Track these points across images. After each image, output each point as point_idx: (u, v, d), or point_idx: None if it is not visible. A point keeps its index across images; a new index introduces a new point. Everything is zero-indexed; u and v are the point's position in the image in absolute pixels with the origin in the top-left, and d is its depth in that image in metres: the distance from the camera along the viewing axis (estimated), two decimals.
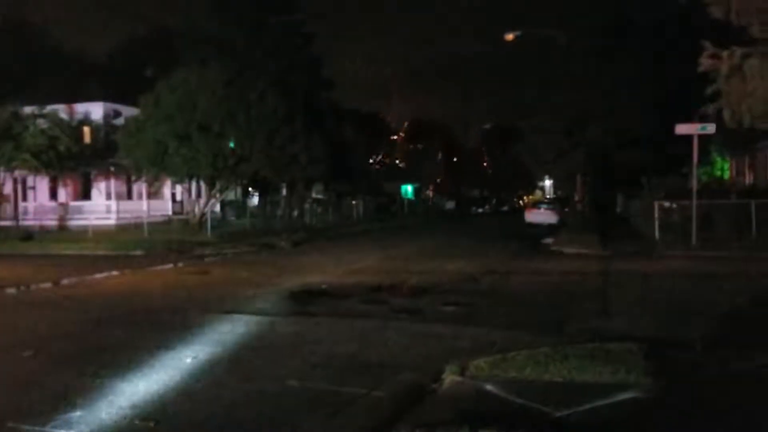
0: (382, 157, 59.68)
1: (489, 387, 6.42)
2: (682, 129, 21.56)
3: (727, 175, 36.67)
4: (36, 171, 33.54)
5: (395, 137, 77.03)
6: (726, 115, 6.86)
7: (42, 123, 32.76)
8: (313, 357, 7.98)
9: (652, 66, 34.07)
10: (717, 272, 15.89)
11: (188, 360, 7.97)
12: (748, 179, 33.95)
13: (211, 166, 30.38)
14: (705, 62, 6.58)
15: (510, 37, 36.37)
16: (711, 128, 21.19)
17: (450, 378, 6.72)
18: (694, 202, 21.68)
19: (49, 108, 33.58)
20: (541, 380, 6.58)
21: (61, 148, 32.44)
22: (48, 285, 15.32)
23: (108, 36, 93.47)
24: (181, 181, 35.22)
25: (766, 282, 14.41)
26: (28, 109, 33.29)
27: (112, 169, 35.76)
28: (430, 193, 75.05)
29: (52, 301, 13.03)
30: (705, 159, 34.22)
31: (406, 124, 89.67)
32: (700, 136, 22.19)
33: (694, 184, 22.19)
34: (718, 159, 37.01)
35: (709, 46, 6.57)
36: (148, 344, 8.91)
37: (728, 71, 6.42)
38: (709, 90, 6.84)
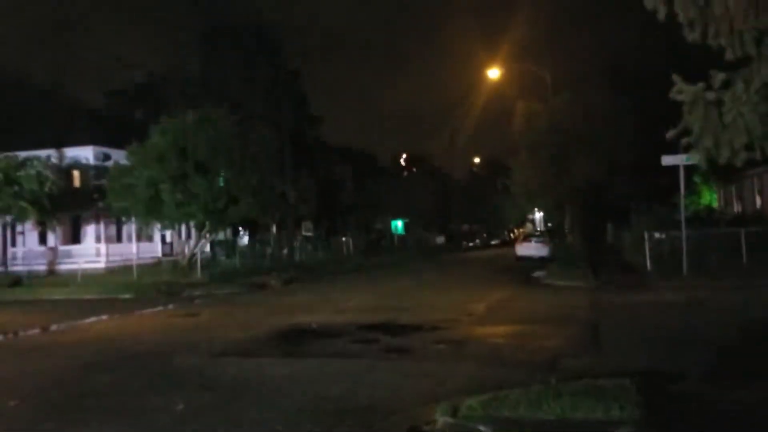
0: (372, 193, 59.82)
1: (482, 428, 6.33)
2: (668, 160, 21.72)
3: (715, 204, 36.91)
4: (27, 218, 33.34)
5: (384, 173, 77.32)
6: (699, 152, 6.68)
7: (34, 167, 32.65)
8: (302, 400, 7.87)
9: (636, 96, 34.48)
10: (709, 303, 15.87)
11: (177, 406, 7.84)
12: (736, 208, 34.17)
13: (203, 210, 30.09)
14: (687, 90, 6.46)
15: (494, 75, 36.81)
16: (696, 159, 21.29)
17: (442, 419, 6.61)
18: (684, 232, 21.73)
19: (38, 153, 33.57)
20: (534, 419, 6.49)
21: (54, 188, 32.28)
22: (36, 331, 15.15)
23: (99, 82, 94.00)
24: (172, 227, 34.91)
25: (758, 312, 14.38)
26: (21, 154, 33.31)
27: (101, 205, 35.46)
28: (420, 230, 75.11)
29: (40, 348, 12.86)
30: (692, 189, 34.45)
31: (396, 158, 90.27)
32: (687, 166, 22.35)
33: (683, 215, 22.28)
34: (705, 189, 37.26)
35: (678, 79, 6.49)
36: (135, 390, 8.79)
37: (710, 101, 6.32)
38: (675, 131, 6.68)
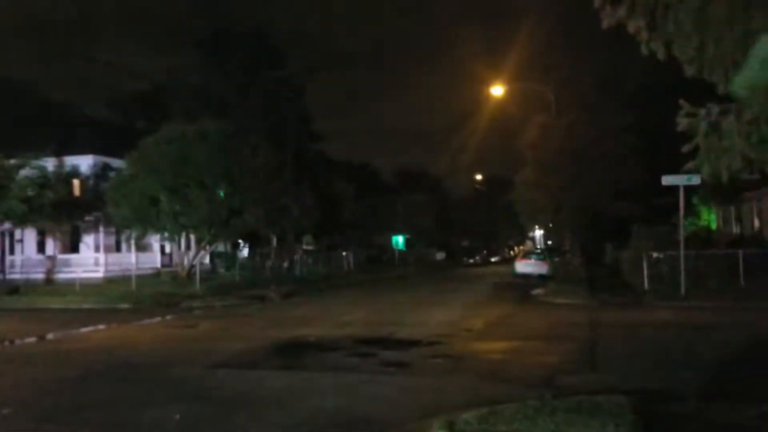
0: (373, 209, 59.91)
1: None
2: (668, 180, 21.78)
3: (714, 225, 36.95)
4: (24, 221, 33.18)
5: (386, 188, 77.50)
6: (705, 171, 7.04)
7: (29, 173, 32.56)
8: (299, 412, 7.88)
9: (639, 117, 34.66)
10: (706, 323, 15.89)
11: (174, 417, 7.85)
12: (735, 229, 34.22)
13: (206, 222, 30.12)
14: (682, 121, 6.78)
15: (497, 92, 36.90)
16: (696, 179, 21.41)
17: None
18: (682, 252, 21.76)
19: (37, 161, 33.55)
20: None
21: (50, 195, 32.21)
22: (33, 339, 15.15)
23: (100, 91, 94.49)
24: (171, 239, 34.91)
25: (755, 333, 14.40)
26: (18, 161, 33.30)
27: (100, 214, 35.39)
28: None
29: (37, 357, 12.86)
30: (691, 209, 34.53)
31: (399, 174, 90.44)
32: (687, 187, 22.44)
33: (682, 235, 22.32)
34: (704, 210, 37.30)
35: (686, 104, 6.79)
36: (132, 401, 8.80)
37: (706, 129, 6.63)
38: (687, 147, 7.08)
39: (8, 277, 34.41)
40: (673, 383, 9.01)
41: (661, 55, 6.61)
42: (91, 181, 38.45)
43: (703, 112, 6.88)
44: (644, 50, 6.66)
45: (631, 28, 6.64)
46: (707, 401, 7.78)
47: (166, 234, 33.04)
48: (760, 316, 16.68)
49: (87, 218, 36.85)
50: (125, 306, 23.51)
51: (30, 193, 31.43)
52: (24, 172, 31.97)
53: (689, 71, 6.71)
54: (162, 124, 32.67)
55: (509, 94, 38.73)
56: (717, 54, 6.43)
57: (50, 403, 8.81)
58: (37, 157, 32.41)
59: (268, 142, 35.33)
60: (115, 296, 25.83)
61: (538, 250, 51.84)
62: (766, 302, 18.68)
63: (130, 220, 31.41)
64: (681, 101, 6.94)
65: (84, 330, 16.75)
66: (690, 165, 7.27)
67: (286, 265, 43.81)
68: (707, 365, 10.45)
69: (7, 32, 75.96)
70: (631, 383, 8.90)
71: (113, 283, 33.15)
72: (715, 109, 6.79)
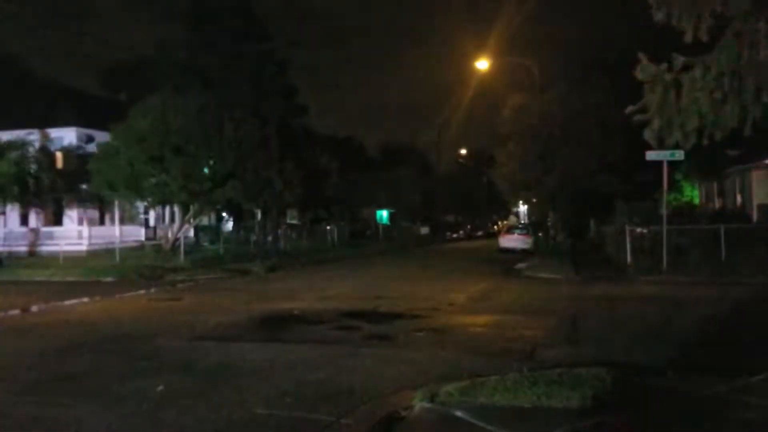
0: (358, 183, 59.81)
1: (458, 413, 6.42)
2: (652, 155, 21.88)
3: (697, 200, 37.24)
4: (11, 199, 32.99)
5: (371, 163, 77.33)
6: (649, 131, 6.98)
7: (13, 153, 32.23)
8: (282, 384, 7.93)
9: (622, 91, 34.77)
10: (687, 297, 16.08)
11: (157, 388, 7.87)
12: (718, 204, 34.50)
13: (183, 190, 30.09)
14: (645, 71, 6.72)
15: (482, 66, 36.81)
16: (680, 155, 21.54)
17: (419, 404, 6.70)
18: (665, 227, 21.95)
19: (20, 133, 33.18)
20: (510, 406, 6.59)
21: (31, 181, 31.92)
22: (16, 312, 15.11)
23: (84, 64, 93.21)
24: (153, 206, 34.83)
25: (734, 307, 14.59)
26: (2, 135, 32.99)
27: (85, 187, 35.08)
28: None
29: (20, 329, 12.82)
30: (674, 185, 34.77)
31: (382, 149, 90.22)
32: (670, 163, 22.56)
33: (664, 210, 22.48)
34: (687, 185, 37.57)
35: (643, 57, 6.73)
36: (115, 372, 8.81)
37: (668, 82, 6.57)
38: (631, 109, 7.03)
39: None
40: (653, 357, 9.13)
41: None
42: (75, 153, 38.10)
43: (665, 66, 6.80)
44: None
45: None
46: (685, 374, 7.89)
47: (150, 201, 33.00)
48: (739, 291, 16.89)
49: (71, 192, 36.56)
50: (109, 279, 23.49)
51: (13, 172, 31.15)
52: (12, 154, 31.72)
53: (657, 15, 6.58)
54: (146, 96, 32.40)
55: (495, 68, 38.72)
56: None
57: (33, 374, 8.80)
58: (22, 144, 32.13)
59: (252, 115, 35.12)
60: (99, 269, 25.78)
61: (522, 225, 52.10)
62: (746, 277, 18.92)
63: (116, 187, 31.23)
64: (640, 54, 6.87)
65: (68, 303, 16.71)
66: (639, 117, 7.19)
67: (270, 239, 43.75)
68: (687, 339, 10.60)
69: None
70: (612, 356, 9.01)
71: (97, 256, 33.03)
72: (680, 60, 6.69)
